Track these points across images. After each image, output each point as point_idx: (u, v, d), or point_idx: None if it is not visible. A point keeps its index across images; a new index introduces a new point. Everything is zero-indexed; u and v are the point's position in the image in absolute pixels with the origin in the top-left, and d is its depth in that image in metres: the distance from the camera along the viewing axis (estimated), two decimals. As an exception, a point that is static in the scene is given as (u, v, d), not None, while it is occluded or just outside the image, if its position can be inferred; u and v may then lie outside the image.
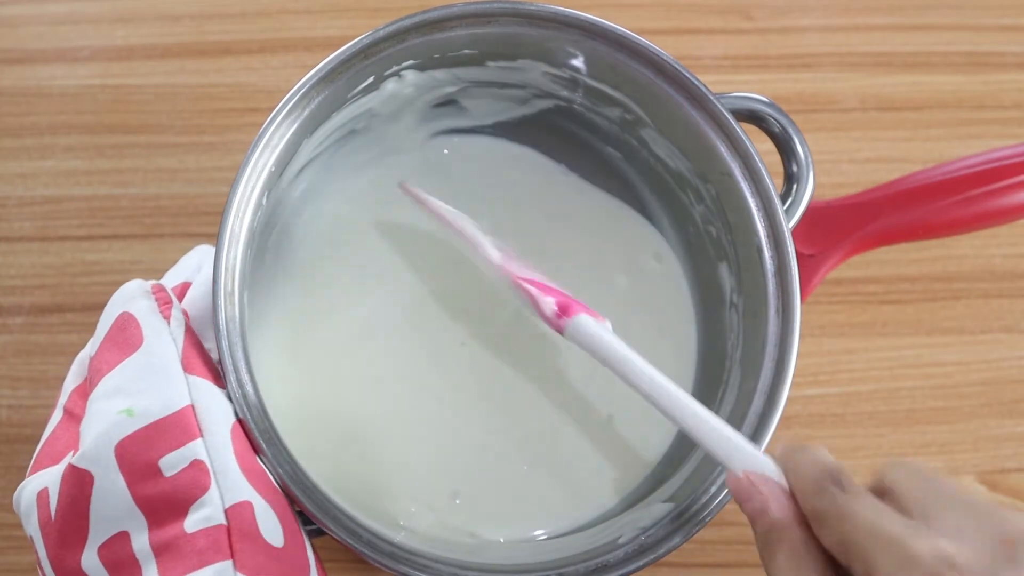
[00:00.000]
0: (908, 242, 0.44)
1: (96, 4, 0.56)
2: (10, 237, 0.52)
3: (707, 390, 0.43)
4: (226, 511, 0.33)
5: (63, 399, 0.37)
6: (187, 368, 0.35)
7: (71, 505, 0.34)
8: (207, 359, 0.36)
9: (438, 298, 0.45)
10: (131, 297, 0.37)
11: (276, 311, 0.44)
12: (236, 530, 0.32)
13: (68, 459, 0.34)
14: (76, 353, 0.39)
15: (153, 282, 0.38)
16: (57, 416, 0.37)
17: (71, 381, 0.38)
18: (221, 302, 0.36)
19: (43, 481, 0.35)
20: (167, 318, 0.36)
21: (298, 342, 0.44)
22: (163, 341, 0.35)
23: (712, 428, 0.34)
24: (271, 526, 0.33)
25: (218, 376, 0.36)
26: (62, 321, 0.51)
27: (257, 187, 0.38)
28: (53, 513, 0.34)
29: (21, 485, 0.36)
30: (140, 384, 0.34)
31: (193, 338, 0.36)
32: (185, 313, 0.37)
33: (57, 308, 0.51)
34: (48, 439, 0.36)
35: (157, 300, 0.36)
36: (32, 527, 0.35)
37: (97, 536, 0.34)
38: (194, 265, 0.40)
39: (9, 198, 0.52)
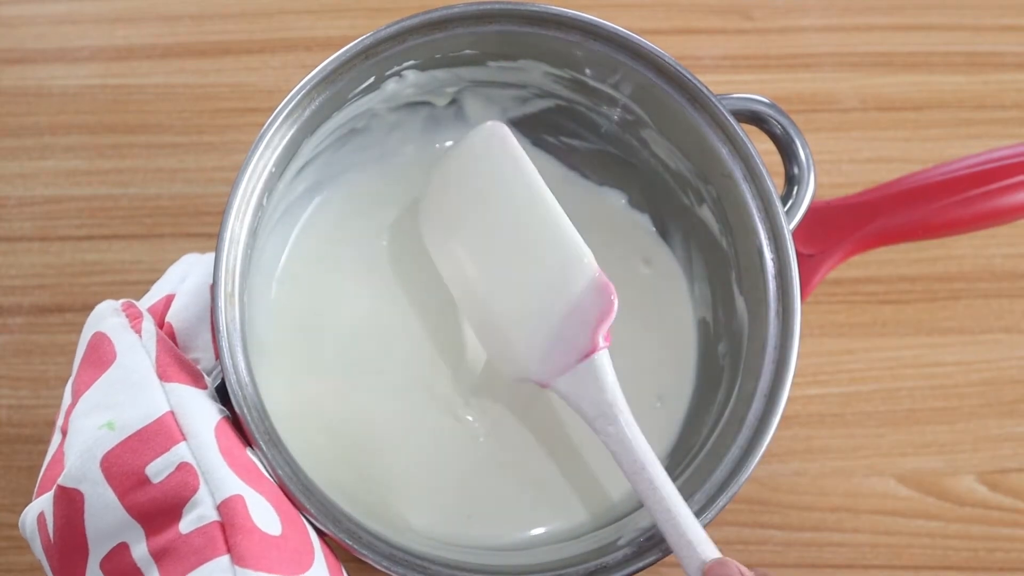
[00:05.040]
0: (908, 242, 0.44)
1: (96, 4, 0.56)
2: (10, 237, 0.52)
3: (707, 391, 0.43)
4: (218, 507, 0.33)
5: (60, 421, 0.38)
6: (163, 376, 0.35)
7: (66, 525, 0.34)
8: (184, 364, 0.36)
9: (440, 299, 0.45)
10: (102, 317, 0.37)
11: (277, 309, 0.44)
12: (230, 524, 0.33)
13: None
14: (76, 353, 0.39)
15: (123, 300, 0.38)
16: (56, 439, 0.37)
17: (66, 403, 0.38)
18: (221, 304, 0.36)
19: (40, 505, 0.35)
20: (138, 331, 0.36)
21: (298, 345, 0.44)
22: (136, 354, 0.36)
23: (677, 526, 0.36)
24: (266, 516, 0.34)
25: (197, 379, 0.36)
26: (62, 321, 0.51)
27: (257, 188, 0.38)
28: (51, 535, 0.35)
29: (24, 511, 0.36)
30: (118, 397, 0.35)
31: (167, 346, 0.36)
32: (169, 324, 0.38)
33: (57, 308, 0.51)
34: (50, 463, 0.37)
35: (127, 316, 0.37)
36: (38, 551, 0.36)
37: (97, 551, 0.34)
38: (179, 276, 0.40)
39: (9, 198, 0.52)
